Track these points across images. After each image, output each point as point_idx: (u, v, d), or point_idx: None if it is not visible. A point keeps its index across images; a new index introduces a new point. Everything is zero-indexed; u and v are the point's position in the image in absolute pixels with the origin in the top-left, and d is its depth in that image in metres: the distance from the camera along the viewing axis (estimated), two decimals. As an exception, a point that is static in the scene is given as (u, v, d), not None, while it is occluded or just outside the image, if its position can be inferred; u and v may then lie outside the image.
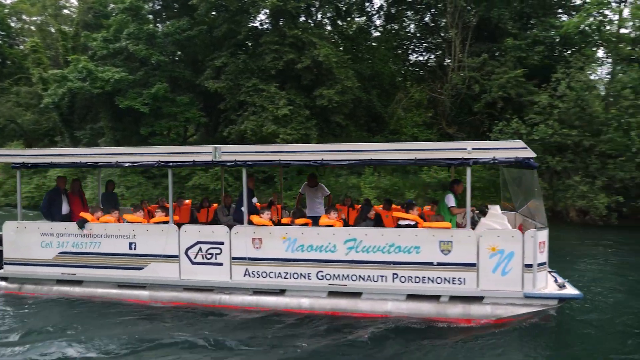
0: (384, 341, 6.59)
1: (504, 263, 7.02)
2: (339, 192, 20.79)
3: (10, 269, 8.70)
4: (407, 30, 27.40)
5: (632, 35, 21.36)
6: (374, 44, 26.91)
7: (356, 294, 7.51)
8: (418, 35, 27.43)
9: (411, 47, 27.75)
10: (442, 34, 25.64)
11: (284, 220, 8.69)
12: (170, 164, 8.05)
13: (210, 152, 7.75)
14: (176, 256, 7.98)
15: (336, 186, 21.27)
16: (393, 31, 27.26)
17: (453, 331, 6.93)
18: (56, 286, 8.52)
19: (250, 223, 7.85)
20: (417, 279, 7.29)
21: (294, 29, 21.55)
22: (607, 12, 21.06)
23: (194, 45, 24.24)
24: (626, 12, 21.28)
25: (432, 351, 6.35)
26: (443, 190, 19.38)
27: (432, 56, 27.40)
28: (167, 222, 8.22)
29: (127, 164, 8.27)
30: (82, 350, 6.38)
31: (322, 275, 7.55)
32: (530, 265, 6.94)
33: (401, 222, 7.66)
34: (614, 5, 21.18)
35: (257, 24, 24.33)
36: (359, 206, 10.17)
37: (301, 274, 7.61)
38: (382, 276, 7.39)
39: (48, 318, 7.52)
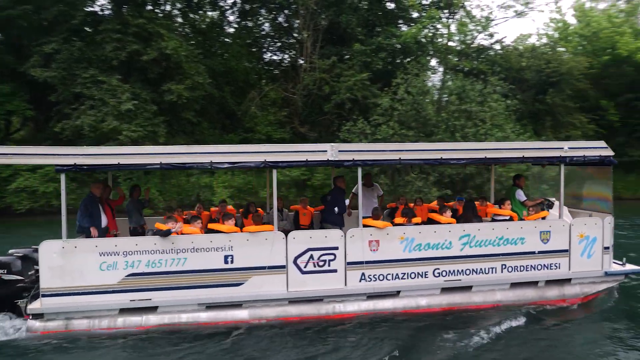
0: (509, 329, 6.99)
1: (589, 247, 8.09)
2: (191, 192, 19.97)
3: (51, 302, 6.65)
4: (261, 28, 27.38)
5: (458, 48, 24.20)
6: (227, 39, 26.36)
7: (467, 288, 7.79)
8: (272, 34, 27.59)
9: (265, 45, 27.80)
10: (295, 35, 26.13)
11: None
12: (280, 164, 7.25)
13: (326, 151, 7.22)
14: (283, 266, 7.15)
15: (187, 186, 20.37)
16: (247, 28, 27.01)
17: (550, 312, 7.71)
18: (121, 317, 6.82)
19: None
20: (522, 268, 7.92)
21: (139, 17, 20.04)
22: (438, 26, 23.56)
23: (18, 27, 21.12)
24: (453, 28, 24.03)
25: (544, 334, 6.94)
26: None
27: (286, 56, 27.79)
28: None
29: (226, 165, 7.12)
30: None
31: (438, 273, 7.64)
32: (607, 248, 8.13)
33: (496, 217, 8.33)
34: (444, 20, 23.75)
35: (96, 8, 22.14)
36: (412, 205, 9.91)
37: (418, 273, 7.59)
38: (492, 268, 7.81)
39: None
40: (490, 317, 7.38)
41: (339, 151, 7.31)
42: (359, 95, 21.22)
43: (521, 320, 7.31)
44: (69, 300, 6.69)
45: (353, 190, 9.80)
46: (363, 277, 7.42)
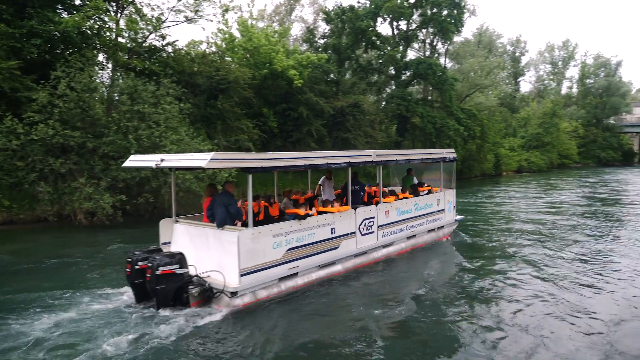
0: (444, 247, 13.46)
1: (450, 206, 14.38)
2: None
3: (247, 280, 8.14)
4: None
5: (129, 45, 23.03)
6: None
7: (414, 235, 12.71)
8: None
9: None
10: None
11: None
12: (355, 164, 10.75)
13: (371, 155, 11.14)
14: (354, 232, 10.60)
15: None
16: None
17: (443, 244, 13.84)
18: (283, 283, 8.82)
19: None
20: (431, 221, 13.39)
21: None
22: (106, 18, 21.82)
23: None
24: (123, 23, 22.70)
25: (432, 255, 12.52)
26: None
27: None
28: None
29: (333, 165, 10.17)
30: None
31: (407, 227, 12.39)
32: (455, 206, 14.77)
33: (421, 193, 13.63)
34: (112, 14, 22.15)
35: None
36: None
37: (400, 229, 12.13)
38: (423, 222, 13.04)
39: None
40: (430, 249, 13.00)
41: (377, 155, 11.28)
42: (6, 87, 17.56)
43: (444, 247, 13.34)
44: (256, 276, 8.25)
45: (319, 182, 12.91)
46: (383, 234, 11.54)
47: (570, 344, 6.81)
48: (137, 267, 7.96)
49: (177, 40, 39.92)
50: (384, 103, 44.30)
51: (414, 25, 44.42)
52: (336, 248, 10.06)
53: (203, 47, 27.89)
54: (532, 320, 7.71)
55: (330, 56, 37.96)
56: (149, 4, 23.61)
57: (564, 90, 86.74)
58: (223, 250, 8.24)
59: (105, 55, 22.27)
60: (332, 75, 37.68)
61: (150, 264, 7.69)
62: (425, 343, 6.94)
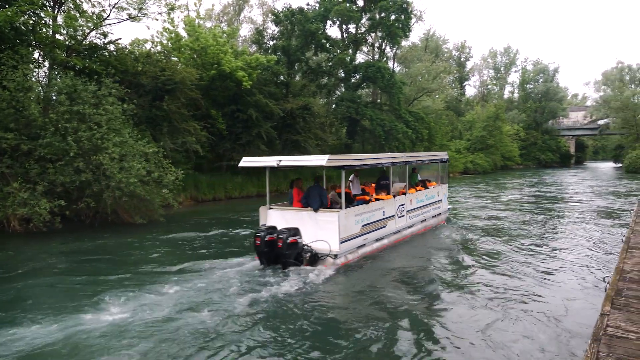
0: (443, 230, 16.51)
1: (445, 197, 17.82)
2: None
3: (344, 246, 11.09)
4: None
5: (68, 43, 22.00)
6: None
7: (424, 219, 15.79)
8: None
9: None
10: None
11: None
12: (395, 164, 14.22)
13: (402, 157, 14.41)
14: (393, 216, 13.51)
15: None
16: None
17: (444, 226, 17.23)
18: (359, 250, 11.88)
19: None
20: (435, 208, 16.65)
21: None
22: (42, 14, 20.73)
23: None
24: (60, 19, 21.66)
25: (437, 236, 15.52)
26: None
27: None
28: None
29: (385, 164, 13.83)
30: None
31: (421, 213, 15.53)
32: (448, 197, 18.43)
33: (429, 187, 16.67)
34: (48, 9, 21.07)
35: None
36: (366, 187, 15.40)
37: (418, 214, 15.25)
38: (430, 209, 16.19)
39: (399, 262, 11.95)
40: (435, 231, 16.15)
41: (406, 156, 14.58)
42: None
43: (444, 230, 16.30)
44: (347, 244, 11.30)
45: (349, 179, 14.19)
46: (409, 218, 14.49)
47: (523, 324, 7.58)
48: (265, 239, 10.49)
49: (120, 38, 38.56)
50: (334, 105, 44.67)
51: (362, 29, 45.09)
52: (384, 227, 13.04)
53: (148, 46, 27.08)
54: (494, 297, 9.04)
55: (280, 58, 37.83)
56: (89, 0, 22.48)
57: (506, 94, 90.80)
58: (319, 227, 11.08)
59: (41, 53, 21.13)
60: (281, 77, 37.56)
61: (281, 236, 10.40)
62: (449, 288, 9.75)
